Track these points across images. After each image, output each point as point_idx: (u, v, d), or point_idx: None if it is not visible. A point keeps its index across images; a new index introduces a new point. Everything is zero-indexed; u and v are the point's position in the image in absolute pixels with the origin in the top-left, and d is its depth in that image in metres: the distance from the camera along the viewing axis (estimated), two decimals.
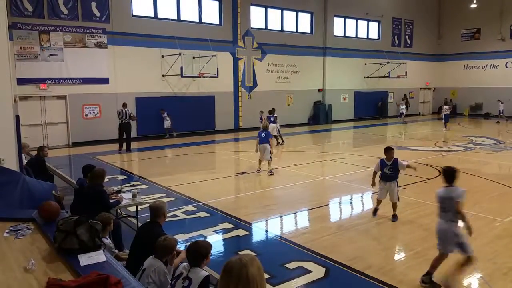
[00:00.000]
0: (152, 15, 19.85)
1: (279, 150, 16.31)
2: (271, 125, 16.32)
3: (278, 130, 17.43)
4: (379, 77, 28.75)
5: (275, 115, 17.37)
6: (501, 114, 27.82)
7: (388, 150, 8.09)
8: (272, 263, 5.93)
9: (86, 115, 18.25)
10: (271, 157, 12.15)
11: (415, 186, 10.44)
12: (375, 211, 8.11)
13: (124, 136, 16.16)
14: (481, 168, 12.95)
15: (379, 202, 8.06)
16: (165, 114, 19.52)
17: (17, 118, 7.41)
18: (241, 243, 6.94)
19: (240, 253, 6.32)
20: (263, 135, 12.19)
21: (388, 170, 7.88)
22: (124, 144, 16.28)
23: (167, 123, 19.57)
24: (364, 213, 8.82)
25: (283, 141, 17.74)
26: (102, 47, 18.27)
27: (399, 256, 6.42)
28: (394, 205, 7.94)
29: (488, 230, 7.31)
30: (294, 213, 8.57)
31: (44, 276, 3.08)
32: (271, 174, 11.89)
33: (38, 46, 16.75)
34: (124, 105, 16.33)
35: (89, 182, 6.42)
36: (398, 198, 7.97)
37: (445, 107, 23.84)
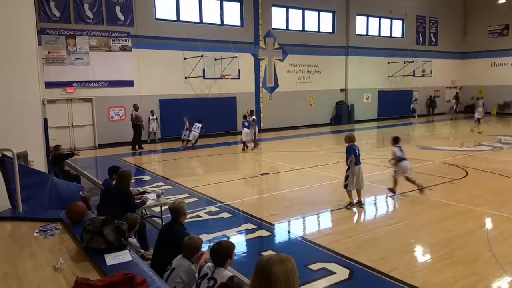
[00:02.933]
0: (175, 18, 20.10)
1: (299, 151, 16.22)
2: (244, 131, 16.27)
3: (254, 134, 16.54)
4: (404, 75, 28.27)
5: (251, 118, 16.62)
6: None
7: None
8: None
9: (112, 117, 18.62)
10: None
11: (441, 186, 10.22)
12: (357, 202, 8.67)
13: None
14: (510, 168, 12.57)
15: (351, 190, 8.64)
16: (187, 123, 17.71)
17: (45, 120, 7.63)
18: (264, 243, 6.94)
19: (266, 253, 6.34)
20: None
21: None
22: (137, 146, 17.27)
23: (189, 134, 17.39)
24: (388, 214, 8.70)
25: (254, 146, 16.69)
26: (127, 51, 18.62)
27: (425, 258, 6.30)
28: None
29: None
30: (317, 214, 8.52)
31: (72, 275, 3.15)
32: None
33: (65, 50, 17.20)
34: (134, 106, 17.15)
35: (116, 183, 6.54)
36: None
37: (479, 109, 21.56)
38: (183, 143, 17.53)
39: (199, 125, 17.13)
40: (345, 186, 8.64)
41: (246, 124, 16.51)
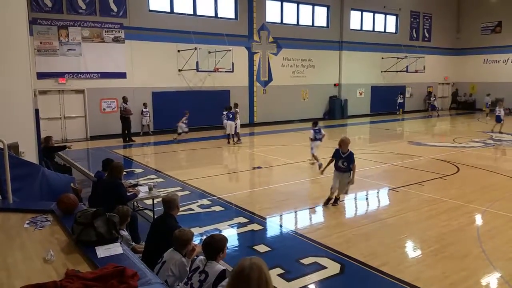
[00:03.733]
0: (168, 10, 19.93)
1: (292, 145, 16.24)
2: (229, 123, 16.15)
3: (236, 127, 16.42)
4: (397, 71, 28.36)
5: (234, 110, 16.62)
6: None
7: (343, 142, 8.16)
8: (287, 258, 5.92)
9: (104, 109, 18.48)
10: (237, 135, 16.32)
11: (433, 182, 10.30)
12: (327, 200, 8.37)
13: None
14: (501, 165, 12.70)
15: (332, 192, 8.30)
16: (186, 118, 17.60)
17: (36, 111, 7.55)
18: (255, 237, 6.95)
19: (256, 247, 6.35)
20: (230, 115, 16.19)
21: (342, 164, 8.13)
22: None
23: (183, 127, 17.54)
24: (380, 209, 8.75)
25: (239, 139, 16.67)
26: (120, 42, 18.44)
27: (416, 253, 6.35)
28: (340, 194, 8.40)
29: (508, 228, 7.16)
30: (309, 208, 8.54)
31: (63, 267, 3.13)
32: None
33: (57, 41, 17.00)
34: (123, 98, 17.21)
35: (107, 175, 6.50)
36: (347, 191, 8.35)
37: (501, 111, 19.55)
38: (179, 135, 17.47)
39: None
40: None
41: (230, 116, 16.38)
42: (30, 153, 6.62)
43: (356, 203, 9.17)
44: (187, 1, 20.40)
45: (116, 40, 18.35)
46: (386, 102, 28.79)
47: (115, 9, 18.21)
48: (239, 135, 16.83)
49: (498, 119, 19.45)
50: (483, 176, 10.98)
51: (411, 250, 6.51)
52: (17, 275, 3.09)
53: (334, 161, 8.32)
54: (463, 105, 32.82)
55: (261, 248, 6.33)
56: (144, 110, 18.91)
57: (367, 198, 9.43)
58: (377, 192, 9.84)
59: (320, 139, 12.05)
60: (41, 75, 16.59)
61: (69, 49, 17.31)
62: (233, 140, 16.57)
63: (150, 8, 19.31)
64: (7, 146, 4.83)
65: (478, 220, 7.68)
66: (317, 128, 12.13)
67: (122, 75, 18.64)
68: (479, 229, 7.04)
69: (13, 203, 4.81)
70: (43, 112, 15.27)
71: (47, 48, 16.81)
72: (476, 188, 9.75)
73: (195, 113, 19.89)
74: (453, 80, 33.55)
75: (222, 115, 17.01)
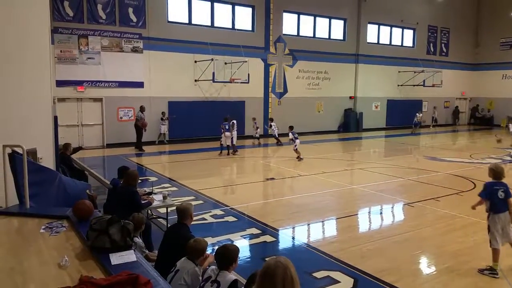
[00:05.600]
0: (186, 21, 20.21)
1: (306, 157, 16.19)
2: (227, 134, 15.88)
3: (232, 138, 16.20)
4: (414, 85, 28.14)
5: (231, 122, 16.33)
6: None
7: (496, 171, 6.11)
8: (299, 271, 5.78)
9: (121, 118, 18.73)
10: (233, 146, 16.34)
11: (449, 198, 10.13)
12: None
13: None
14: None
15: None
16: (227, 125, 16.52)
17: (55, 118, 7.69)
18: (268, 249, 6.91)
19: (268, 259, 6.31)
20: (227, 126, 16.00)
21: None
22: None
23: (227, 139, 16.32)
24: (395, 224, 8.63)
25: (235, 151, 16.51)
26: (138, 52, 18.75)
27: (431, 269, 6.23)
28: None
29: None
30: (322, 221, 8.47)
31: (77, 273, 3.16)
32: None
33: (77, 50, 17.36)
34: (140, 108, 17.34)
35: (123, 183, 6.56)
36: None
37: None
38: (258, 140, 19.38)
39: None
40: (490, 243, 5.95)
41: (227, 127, 16.00)
42: (47, 159, 6.73)
43: (370, 218, 9.06)
44: (205, 13, 20.68)
45: (135, 50, 18.66)
46: (402, 116, 28.54)
47: (134, 19, 18.56)
48: (235, 146, 16.53)
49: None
50: None
51: (426, 266, 6.39)
52: (32, 279, 3.13)
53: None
54: (481, 120, 32.35)
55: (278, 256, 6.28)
56: (163, 118, 19.10)
57: (381, 213, 9.32)
58: (392, 207, 9.71)
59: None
60: (60, 83, 16.92)
61: (89, 58, 17.66)
62: (228, 153, 16.27)
63: (169, 19, 19.62)
64: (26, 151, 4.92)
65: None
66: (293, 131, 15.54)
67: (140, 85, 18.91)
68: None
69: (30, 208, 4.89)
70: (61, 119, 15.52)
71: (67, 57, 17.18)
72: None
73: (210, 123, 20.02)
74: (470, 96, 33.13)
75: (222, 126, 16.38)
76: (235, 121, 16.76)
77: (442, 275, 5.86)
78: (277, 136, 19.45)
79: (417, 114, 26.13)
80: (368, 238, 7.49)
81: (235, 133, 16.57)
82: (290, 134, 15.47)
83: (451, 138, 25.00)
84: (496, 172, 6.03)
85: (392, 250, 6.77)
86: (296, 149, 15.16)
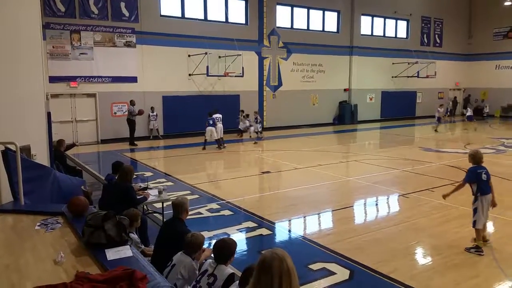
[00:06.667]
0: (179, 15, 20.09)
1: (302, 150, 16.21)
2: (208, 129, 15.78)
3: (218, 132, 16.03)
4: (408, 76, 28.21)
5: (216, 116, 16.19)
6: None
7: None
8: (295, 263, 5.81)
9: (115, 113, 18.65)
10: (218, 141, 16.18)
11: (444, 188, 10.16)
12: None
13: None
14: None
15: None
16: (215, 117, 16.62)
17: (48, 115, 7.64)
18: (264, 242, 6.94)
19: (263, 252, 6.32)
20: (211, 121, 15.93)
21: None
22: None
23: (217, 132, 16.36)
24: (390, 215, 8.68)
25: (223, 146, 16.42)
26: (131, 47, 18.63)
27: (426, 260, 6.28)
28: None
29: None
30: (318, 214, 8.50)
31: (73, 269, 3.16)
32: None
33: (69, 45, 17.22)
34: (131, 102, 17.29)
35: (118, 178, 6.54)
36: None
37: None
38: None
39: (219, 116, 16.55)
40: (473, 224, 6.34)
41: (211, 122, 15.92)
42: (41, 156, 6.69)
43: (365, 209, 9.11)
44: (198, 6, 20.55)
45: (128, 44, 18.54)
46: (397, 108, 28.66)
47: (127, 14, 18.42)
48: (222, 140, 16.36)
49: None
50: (494, 183, 10.75)
51: (422, 257, 6.44)
52: (28, 276, 3.13)
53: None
54: (474, 111, 32.50)
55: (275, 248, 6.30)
56: (151, 114, 19.00)
57: (377, 204, 9.37)
58: (387, 198, 9.76)
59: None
60: (53, 79, 16.79)
61: (81, 53, 17.52)
62: (218, 146, 16.22)
63: (162, 13, 19.49)
64: (19, 148, 4.89)
65: (489, 227, 7.56)
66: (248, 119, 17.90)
67: (133, 79, 18.81)
68: (490, 236, 6.93)
69: (25, 205, 4.88)
70: (55, 116, 15.37)
71: (59, 52, 17.04)
72: None
73: (204, 118, 19.91)
74: (464, 86, 33.27)
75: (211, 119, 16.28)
76: (220, 115, 16.44)
77: (437, 266, 5.91)
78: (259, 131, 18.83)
79: (438, 109, 22.98)
80: (364, 229, 7.53)
81: (220, 126, 16.27)
82: (246, 121, 17.08)
83: (446, 128, 25.09)
84: (476, 157, 6.54)
85: (387, 241, 6.81)
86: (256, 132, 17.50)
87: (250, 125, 18.80)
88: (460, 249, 6.39)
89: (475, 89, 32.53)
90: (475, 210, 6.32)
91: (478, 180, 6.32)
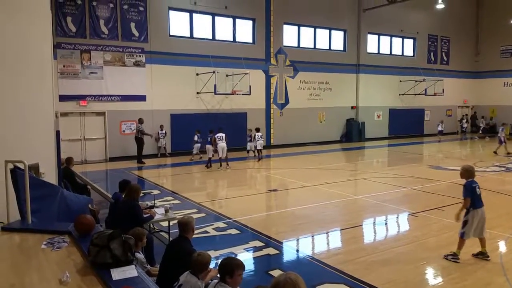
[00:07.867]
0: (188, 35, 20.38)
1: (309, 168, 16.14)
2: (209, 147, 15.98)
3: (220, 151, 15.87)
4: (415, 94, 28.18)
5: (218, 135, 16.04)
6: None
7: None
8: None
9: (124, 131, 18.79)
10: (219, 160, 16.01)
11: (453, 207, 10.01)
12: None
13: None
14: None
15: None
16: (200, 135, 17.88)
17: (57, 133, 7.71)
18: (271, 262, 6.85)
19: (271, 272, 6.25)
20: (209, 139, 16.20)
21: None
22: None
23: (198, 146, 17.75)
24: (399, 235, 8.56)
25: (227, 166, 16.21)
26: (140, 66, 18.88)
27: (436, 280, 6.15)
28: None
29: None
30: (326, 233, 8.41)
31: None
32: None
33: (79, 65, 17.50)
34: (139, 120, 17.44)
35: (125, 196, 6.55)
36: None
37: None
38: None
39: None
40: (461, 235, 6.66)
41: (209, 139, 16.14)
42: (50, 174, 6.73)
43: (374, 228, 8.99)
44: (206, 26, 20.85)
45: (137, 64, 18.80)
46: (404, 125, 28.55)
47: (136, 34, 18.73)
48: (224, 159, 16.20)
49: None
50: (505, 201, 10.67)
51: (431, 277, 6.31)
52: None
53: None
54: (483, 129, 32.26)
55: (277, 273, 6.22)
56: (160, 132, 19.13)
57: (386, 223, 9.25)
58: (396, 217, 9.64)
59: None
60: (63, 98, 17.03)
61: (91, 73, 17.79)
62: (221, 165, 16.15)
63: (171, 33, 19.79)
64: (28, 167, 4.93)
65: (502, 247, 7.43)
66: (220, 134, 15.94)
67: (142, 98, 19.01)
68: (502, 257, 6.80)
69: (32, 224, 4.88)
70: (64, 134, 15.58)
71: (69, 71, 17.31)
72: (499, 214, 9.45)
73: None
74: (472, 104, 33.13)
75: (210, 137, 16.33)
76: (223, 134, 16.15)
77: (448, 286, 5.79)
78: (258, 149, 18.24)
79: (501, 128, 20.40)
80: (372, 249, 7.42)
81: (224, 145, 15.94)
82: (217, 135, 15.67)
83: (454, 147, 24.90)
84: (470, 172, 6.76)
85: (396, 261, 6.69)
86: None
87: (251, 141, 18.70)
88: (470, 270, 6.26)
89: (484, 107, 32.37)
90: (465, 222, 6.59)
91: (473, 194, 6.57)
